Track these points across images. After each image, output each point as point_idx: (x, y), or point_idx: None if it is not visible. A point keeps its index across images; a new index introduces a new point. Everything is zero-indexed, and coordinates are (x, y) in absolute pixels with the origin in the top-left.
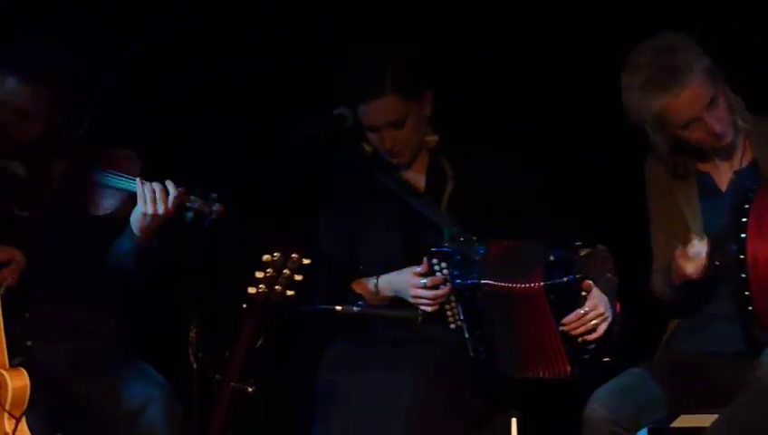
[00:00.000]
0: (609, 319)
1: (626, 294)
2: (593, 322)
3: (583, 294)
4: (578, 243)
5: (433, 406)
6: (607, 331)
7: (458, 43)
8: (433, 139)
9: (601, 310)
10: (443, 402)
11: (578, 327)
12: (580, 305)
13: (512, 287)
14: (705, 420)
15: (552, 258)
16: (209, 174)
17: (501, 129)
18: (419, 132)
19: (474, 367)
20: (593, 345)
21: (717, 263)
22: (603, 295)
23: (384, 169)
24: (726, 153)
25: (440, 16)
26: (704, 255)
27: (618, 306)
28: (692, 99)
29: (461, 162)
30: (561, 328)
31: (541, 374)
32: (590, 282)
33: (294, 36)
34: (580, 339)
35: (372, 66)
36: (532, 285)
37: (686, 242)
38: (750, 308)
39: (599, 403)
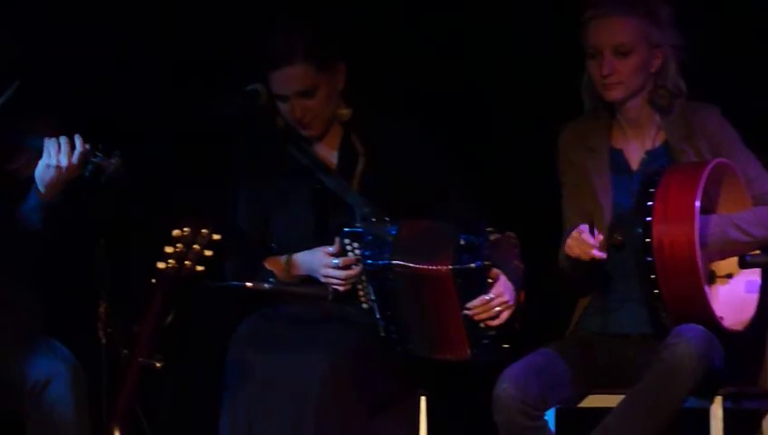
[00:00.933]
0: (513, 307)
1: (538, 275)
2: (497, 309)
3: (489, 280)
4: (489, 228)
5: (343, 385)
6: (509, 318)
7: (376, 16)
8: (346, 112)
9: (506, 298)
10: (353, 382)
11: (481, 313)
12: (486, 292)
13: (421, 268)
14: (613, 400)
15: (462, 242)
16: (126, 144)
17: (415, 106)
18: (331, 104)
19: (385, 347)
20: (494, 331)
21: (620, 238)
22: (509, 284)
23: (296, 144)
24: (639, 130)
25: None
26: (591, 245)
27: (522, 295)
28: (610, 27)
29: (373, 138)
30: (464, 312)
31: (442, 356)
32: (498, 270)
33: (216, 10)
34: (482, 324)
35: (284, 34)
36: (440, 267)
37: (591, 223)
38: (656, 292)
39: (508, 383)
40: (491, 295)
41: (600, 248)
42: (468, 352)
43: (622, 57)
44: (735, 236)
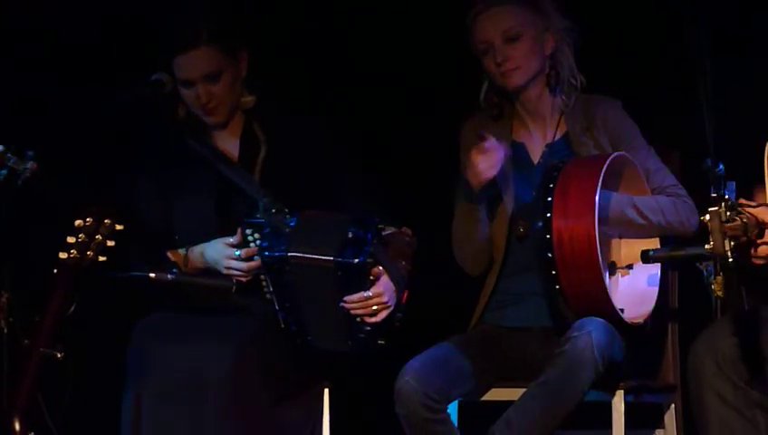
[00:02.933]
0: (392, 308)
1: (437, 267)
2: (374, 308)
3: (371, 278)
4: (381, 224)
5: (246, 376)
6: (387, 317)
7: (279, 6)
8: (249, 99)
9: (385, 299)
10: (256, 372)
11: (358, 308)
12: (366, 288)
13: (313, 259)
14: (515, 393)
15: (349, 235)
16: (27, 135)
17: (317, 96)
18: (235, 91)
19: (286, 338)
20: (369, 327)
21: (522, 229)
22: (390, 284)
23: (198, 135)
24: (540, 123)
25: None
26: (496, 154)
27: (405, 295)
28: (495, 17)
29: (275, 128)
30: (342, 304)
31: (329, 346)
32: (380, 269)
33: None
34: (358, 319)
35: (189, 18)
36: (326, 258)
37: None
38: (557, 287)
39: (410, 375)
40: (369, 293)
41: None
42: (348, 344)
43: (513, 42)
44: (633, 216)
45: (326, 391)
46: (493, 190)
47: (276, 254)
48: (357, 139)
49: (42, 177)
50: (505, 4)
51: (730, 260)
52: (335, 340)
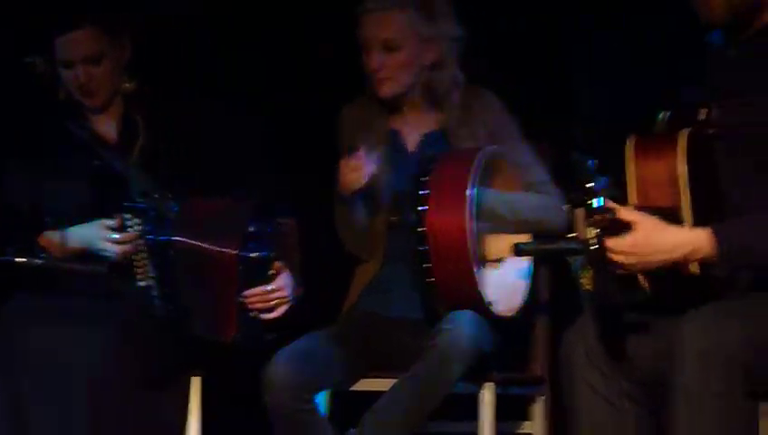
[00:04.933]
0: (291, 303)
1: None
2: (274, 302)
3: (272, 272)
4: (279, 219)
5: (117, 361)
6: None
7: None
8: (130, 85)
9: (285, 292)
10: (128, 358)
11: (257, 303)
12: (267, 283)
13: (205, 248)
14: (386, 383)
15: (251, 229)
16: None
17: (201, 83)
18: (116, 75)
19: (163, 325)
20: (264, 322)
21: (395, 219)
22: (291, 278)
23: (75, 118)
24: (418, 114)
25: None
26: (365, 169)
27: (300, 290)
28: (379, 23)
29: (157, 113)
30: (240, 298)
31: (211, 335)
32: (282, 263)
33: None
34: (253, 314)
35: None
36: (227, 251)
37: None
38: (430, 280)
39: (279, 366)
40: (271, 287)
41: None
42: (232, 336)
43: (391, 52)
44: (505, 213)
45: (198, 379)
46: (364, 194)
47: (161, 238)
48: (244, 124)
49: None
50: (393, 10)
51: (592, 248)
52: (219, 330)
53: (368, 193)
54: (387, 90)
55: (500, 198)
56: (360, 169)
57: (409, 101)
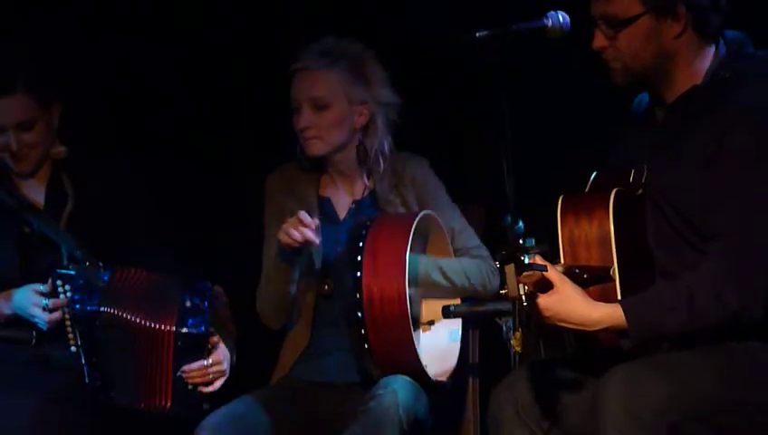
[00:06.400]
0: (227, 375)
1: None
2: (211, 376)
3: (209, 346)
4: (214, 287)
5: (47, 431)
6: None
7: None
8: (61, 150)
9: (223, 366)
10: (58, 427)
11: (196, 377)
12: (204, 357)
13: (137, 323)
14: None
15: (187, 304)
16: None
17: (127, 149)
18: (47, 140)
19: (89, 393)
20: (201, 394)
21: (327, 288)
22: (227, 351)
23: (2, 183)
24: (348, 180)
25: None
26: (308, 224)
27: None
28: (308, 81)
29: (84, 179)
30: (178, 373)
31: (143, 406)
32: (218, 337)
33: None
34: (191, 387)
35: (5, 64)
36: (163, 327)
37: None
38: (366, 346)
39: (207, 431)
40: (209, 362)
41: (315, 232)
42: (168, 405)
43: (320, 111)
44: (438, 279)
45: None
46: (304, 254)
47: (89, 308)
48: (167, 189)
49: None
50: (324, 70)
51: (524, 304)
52: (153, 401)
53: (303, 253)
54: (315, 149)
55: (433, 263)
56: (306, 224)
57: (338, 165)
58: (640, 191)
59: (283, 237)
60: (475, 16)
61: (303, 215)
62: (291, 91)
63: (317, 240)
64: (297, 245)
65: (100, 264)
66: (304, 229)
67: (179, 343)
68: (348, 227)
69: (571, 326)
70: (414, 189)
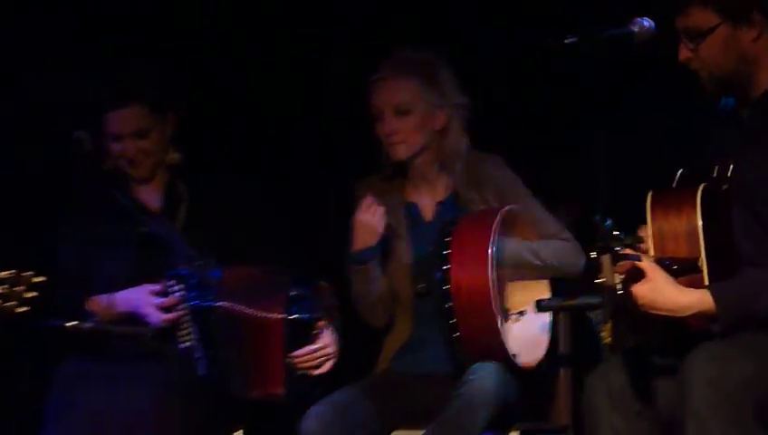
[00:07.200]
0: (334, 359)
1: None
2: (320, 359)
3: (315, 332)
4: (318, 281)
5: (163, 420)
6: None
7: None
8: (175, 157)
9: (330, 350)
10: (173, 416)
11: (305, 362)
12: (312, 342)
13: (249, 313)
14: (416, 434)
15: (293, 293)
16: None
17: (237, 158)
18: (161, 148)
19: (204, 384)
20: (312, 378)
21: (422, 286)
22: (334, 335)
23: (121, 188)
24: (430, 184)
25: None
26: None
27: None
28: (390, 89)
29: (198, 184)
30: (287, 359)
31: (257, 394)
32: (324, 322)
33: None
34: (301, 372)
35: (122, 77)
36: (272, 316)
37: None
38: (456, 335)
39: (313, 419)
40: (317, 346)
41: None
42: (282, 393)
43: (402, 116)
44: (529, 258)
45: (240, 433)
46: (377, 252)
47: (205, 304)
48: (274, 196)
49: None
50: (403, 77)
51: (620, 292)
52: (266, 388)
53: (383, 249)
54: (399, 153)
55: (522, 244)
56: (374, 217)
57: (420, 169)
58: (725, 187)
59: (357, 237)
60: (563, 23)
61: (366, 200)
62: (372, 101)
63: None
64: (379, 232)
65: (213, 262)
66: (373, 208)
67: (288, 330)
68: (434, 228)
69: (662, 313)
70: (493, 186)
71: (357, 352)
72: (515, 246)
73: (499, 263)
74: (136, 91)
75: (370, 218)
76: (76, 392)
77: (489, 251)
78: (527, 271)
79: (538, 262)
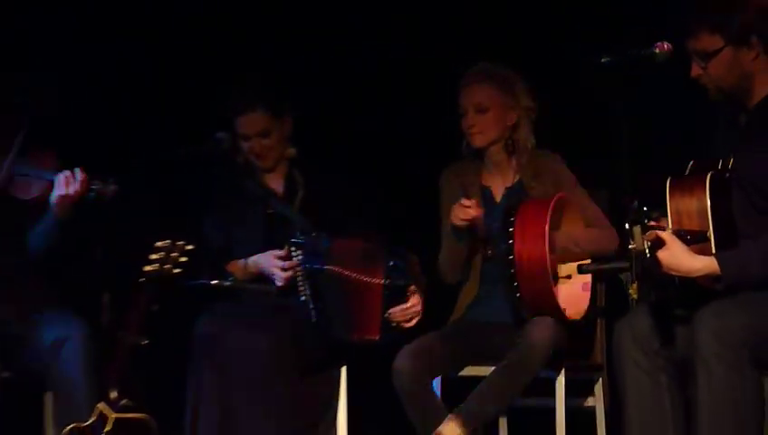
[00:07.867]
0: (420, 316)
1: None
2: (409, 316)
3: (408, 294)
4: (409, 254)
5: (283, 356)
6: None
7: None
8: (292, 151)
9: (418, 308)
10: (290, 354)
11: (399, 317)
12: (405, 301)
13: (353, 277)
14: (485, 370)
15: (391, 263)
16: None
17: (341, 151)
18: (281, 145)
19: (315, 329)
20: (402, 329)
21: (490, 252)
22: (420, 298)
23: (252, 177)
24: (501, 171)
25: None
26: (472, 213)
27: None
28: (472, 92)
29: (310, 174)
30: (385, 315)
31: (357, 338)
32: (414, 286)
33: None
34: (394, 323)
35: (248, 89)
36: (374, 280)
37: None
38: (518, 295)
39: (403, 359)
40: (409, 305)
41: (477, 206)
42: (377, 338)
43: (481, 113)
44: (573, 248)
45: (343, 369)
46: (470, 231)
47: (315, 266)
48: (371, 184)
49: (121, 199)
50: (483, 83)
51: (648, 256)
52: (365, 335)
53: (471, 229)
54: (477, 141)
55: (569, 236)
56: (470, 212)
57: (493, 156)
58: (728, 175)
59: (455, 220)
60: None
61: (464, 200)
62: (459, 101)
63: (479, 212)
64: (466, 223)
65: (323, 235)
66: (467, 210)
67: (386, 292)
68: (502, 208)
69: (679, 274)
70: (551, 177)
71: (435, 306)
72: (564, 240)
73: (551, 249)
74: (259, 100)
75: (468, 210)
76: (217, 329)
77: (545, 229)
78: (571, 256)
79: (579, 250)
